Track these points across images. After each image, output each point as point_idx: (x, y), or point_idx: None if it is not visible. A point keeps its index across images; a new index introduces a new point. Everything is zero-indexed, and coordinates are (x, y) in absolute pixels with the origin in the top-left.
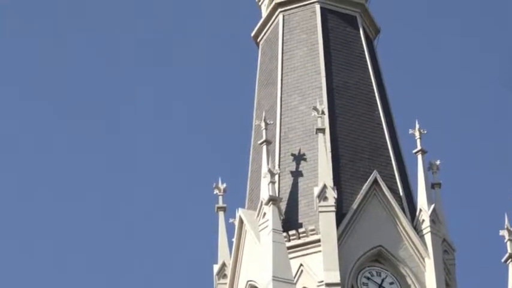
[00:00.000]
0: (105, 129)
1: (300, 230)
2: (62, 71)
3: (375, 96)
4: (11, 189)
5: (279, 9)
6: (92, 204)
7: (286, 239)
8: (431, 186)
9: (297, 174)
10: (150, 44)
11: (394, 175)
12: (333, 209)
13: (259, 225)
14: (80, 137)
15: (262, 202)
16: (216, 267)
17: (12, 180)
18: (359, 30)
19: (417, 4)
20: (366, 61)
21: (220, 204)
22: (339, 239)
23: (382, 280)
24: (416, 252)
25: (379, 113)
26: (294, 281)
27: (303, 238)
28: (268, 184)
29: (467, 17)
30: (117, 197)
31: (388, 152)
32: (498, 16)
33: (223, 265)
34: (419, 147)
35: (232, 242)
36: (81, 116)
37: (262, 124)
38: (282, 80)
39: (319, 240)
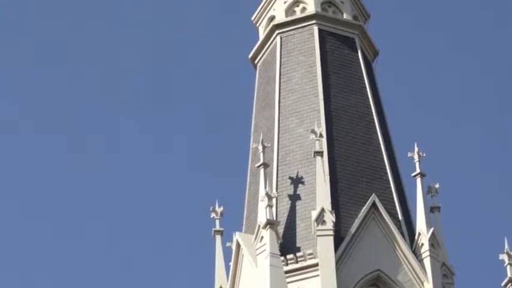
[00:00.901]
0: (104, 152)
1: (298, 254)
2: (64, 110)
3: (373, 119)
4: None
5: (277, 31)
6: (90, 234)
7: (283, 263)
8: (431, 209)
9: (294, 197)
10: (148, 65)
11: (393, 198)
12: (331, 232)
13: (257, 249)
14: (80, 164)
15: (259, 226)
16: None
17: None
18: (357, 52)
19: (416, 26)
20: (365, 83)
21: (217, 227)
22: (337, 263)
23: None
24: (415, 277)
25: (377, 136)
26: None
27: (301, 262)
28: (266, 208)
29: (468, 40)
30: (114, 219)
31: (387, 176)
32: (498, 41)
33: None
34: (418, 171)
35: (230, 266)
36: (82, 148)
37: (260, 147)
38: (279, 102)
39: (317, 265)
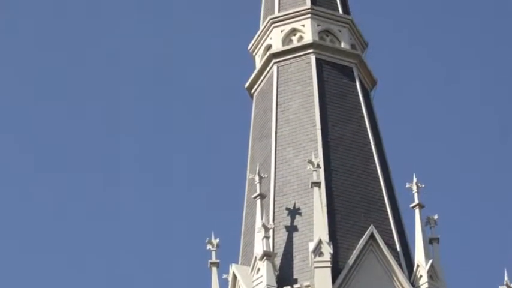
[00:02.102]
0: (102, 184)
1: (295, 286)
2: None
3: (371, 149)
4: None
5: (274, 60)
6: (89, 266)
7: None
8: (429, 241)
9: (291, 228)
10: (142, 96)
11: (391, 230)
12: (329, 264)
13: (253, 281)
14: (78, 191)
15: (256, 257)
16: None
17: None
18: (355, 82)
19: (415, 55)
20: (363, 113)
21: (214, 259)
22: None
23: None
24: None
25: (375, 167)
26: None
27: None
28: (263, 239)
29: (467, 70)
30: (112, 250)
31: (385, 207)
32: (497, 70)
33: None
34: (416, 202)
35: None
36: (80, 171)
37: (256, 178)
38: (276, 132)
39: None
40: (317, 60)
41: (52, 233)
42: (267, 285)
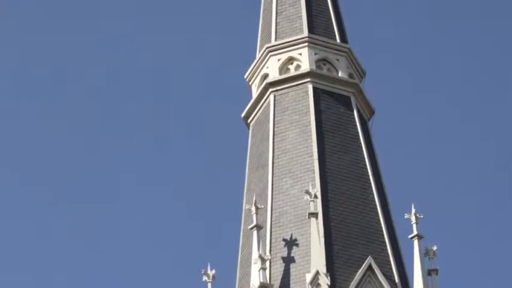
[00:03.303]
0: (98, 214)
1: None
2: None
3: (369, 180)
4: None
5: (270, 89)
6: None
7: None
8: (428, 272)
9: (288, 260)
10: (137, 125)
11: (389, 261)
12: None
13: None
14: (74, 222)
15: None
16: None
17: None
18: (353, 111)
19: (413, 84)
20: (360, 143)
21: None
22: None
23: None
24: None
25: (373, 197)
26: None
27: None
28: (259, 270)
29: (466, 100)
30: (109, 282)
31: (383, 237)
32: (496, 101)
33: None
34: (415, 232)
35: None
36: (77, 202)
37: (253, 208)
38: (273, 162)
39: None
40: (314, 89)
41: (52, 263)
42: None
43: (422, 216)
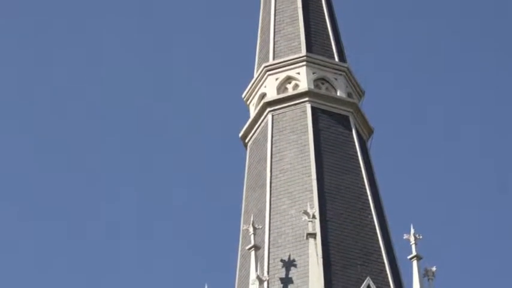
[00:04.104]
0: (92, 233)
1: None
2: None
3: (368, 200)
4: None
5: (268, 109)
6: None
7: None
8: None
9: (286, 281)
10: (134, 147)
11: (388, 282)
12: None
13: None
14: (69, 243)
15: None
16: None
17: None
18: (351, 131)
19: (412, 104)
20: (359, 163)
21: None
22: None
23: None
24: None
25: (372, 217)
26: None
27: None
28: None
29: (466, 119)
30: None
31: (382, 258)
32: (497, 120)
33: None
34: (414, 253)
35: None
36: (71, 221)
37: (251, 229)
38: (271, 182)
39: None
40: (313, 108)
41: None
42: None
43: (421, 237)
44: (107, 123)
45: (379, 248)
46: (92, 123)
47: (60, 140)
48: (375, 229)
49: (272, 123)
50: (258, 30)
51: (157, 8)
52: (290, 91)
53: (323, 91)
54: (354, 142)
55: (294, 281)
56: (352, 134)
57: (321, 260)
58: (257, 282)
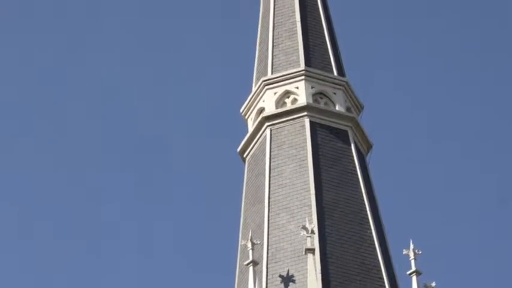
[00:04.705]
0: (86, 252)
1: None
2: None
3: (367, 215)
4: None
5: (266, 124)
6: None
7: None
8: None
9: None
10: (133, 163)
11: None
12: None
13: None
14: (63, 260)
15: None
16: None
17: None
18: (350, 146)
19: (413, 120)
20: (358, 178)
21: None
22: None
23: None
24: None
25: (371, 232)
26: None
27: None
28: None
29: (465, 134)
30: None
31: (381, 274)
32: (497, 135)
33: None
34: (413, 269)
35: None
36: (65, 242)
37: (249, 244)
38: (269, 197)
39: None
40: (311, 123)
41: None
42: None
43: (420, 252)
44: (104, 139)
45: (378, 263)
46: (90, 135)
47: (59, 141)
48: (374, 244)
49: (270, 137)
50: (256, 44)
51: (157, 24)
52: (289, 105)
53: (322, 105)
54: (352, 157)
55: None
56: (351, 149)
57: (319, 276)
58: None
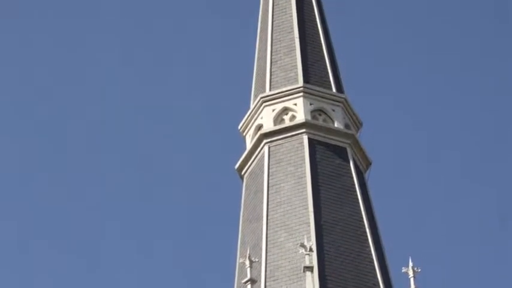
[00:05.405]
0: (85, 267)
1: None
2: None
3: (366, 233)
4: None
5: (265, 140)
6: None
7: None
8: None
9: None
10: (132, 179)
11: None
12: None
13: None
14: (60, 275)
15: None
16: None
17: None
18: (349, 163)
19: (412, 136)
20: (357, 195)
21: None
22: None
23: None
24: None
25: (370, 250)
26: None
27: None
28: None
29: (465, 152)
30: None
31: None
32: (498, 152)
33: None
34: (413, 287)
35: None
36: (62, 254)
37: (247, 262)
38: (267, 215)
39: None
40: (310, 140)
41: None
42: None
43: (419, 270)
44: (103, 141)
45: (377, 281)
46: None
47: (60, 141)
48: (373, 262)
49: (269, 155)
50: (254, 61)
51: (154, 41)
52: (287, 122)
53: (320, 122)
54: (351, 174)
55: None
56: (349, 166)
57: None
58: None
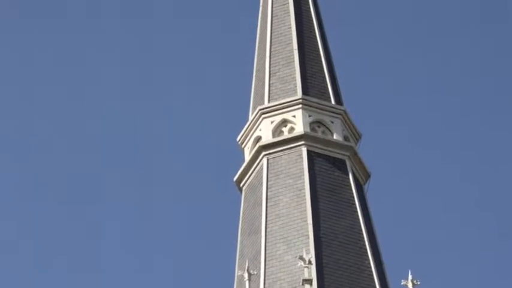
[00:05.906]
0: (85, 271)
1: None
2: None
3: (365, 245)
4: None
5: (263, 153)
6: None
7: None
8: None
9: None
10: (131, 193)
11: None
12: None
13: None
14: (60, 275)
15: None
16: None
17: None
18: (348, 175)
19: (410, 147)
20: (356, 208)
21: None
22: None
23: None
24: None
25: (369, 263)
26: None
27: None
28: None
29: (465, 164)
30: None
31: None
32: (497, 163)
33: None
34: None
35: None
36: (62, 262)
37: (246, 275)
38: (266, 227)
39: None
40: (308, 152)
41: None
42: None
43: (419, 283)
44: (103, 142)
45: None
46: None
47: (59, 143)
48: (372, 275)
49: (267, 167)
50: (253, 73)
51: (151, 54)
52: (286, 134)
53: (319, 134)
54: (350, 186)
55: None
56: (348, 178)
57: None
58: None
